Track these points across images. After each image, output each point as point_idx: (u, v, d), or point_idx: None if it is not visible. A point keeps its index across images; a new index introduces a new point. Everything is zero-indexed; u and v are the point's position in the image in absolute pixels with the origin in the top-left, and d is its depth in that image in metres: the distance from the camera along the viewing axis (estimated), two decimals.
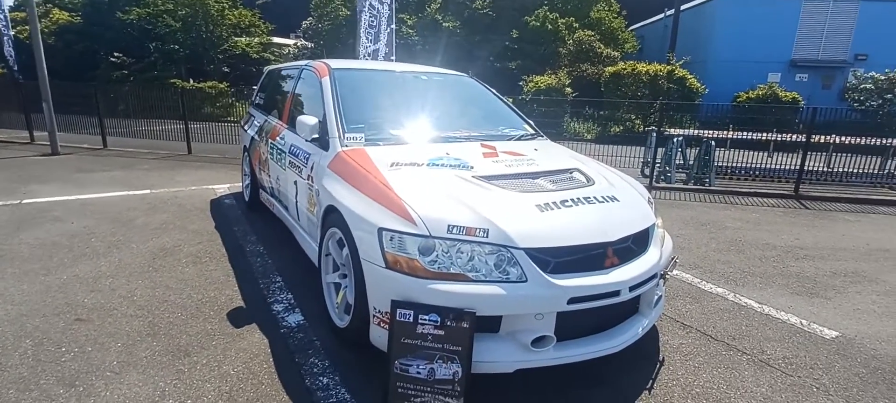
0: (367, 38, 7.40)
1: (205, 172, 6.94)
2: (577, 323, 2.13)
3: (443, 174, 2.38)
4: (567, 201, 2.24)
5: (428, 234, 1.97)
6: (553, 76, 16.74)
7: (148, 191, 5.63)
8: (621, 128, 15.19)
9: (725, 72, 18.52)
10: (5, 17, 8.70)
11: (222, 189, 5.84)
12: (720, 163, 7.79)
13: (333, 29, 20.15)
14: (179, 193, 5.55)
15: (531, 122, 3.72)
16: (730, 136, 8.12)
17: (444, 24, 19.51)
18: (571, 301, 1.98)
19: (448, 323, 1.90)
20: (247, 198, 4.93)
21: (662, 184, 7.33)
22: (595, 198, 2.35)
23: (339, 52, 19.30)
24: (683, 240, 4.50)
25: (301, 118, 2.94)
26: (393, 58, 7.39)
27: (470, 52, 19.11)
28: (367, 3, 7.30)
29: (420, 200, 2.12)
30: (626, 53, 21.61)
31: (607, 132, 15.07)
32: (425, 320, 1.92)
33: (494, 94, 3.91)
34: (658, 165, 7.86)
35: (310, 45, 21.25)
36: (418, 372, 1.93)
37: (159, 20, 19.63)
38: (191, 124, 9.08)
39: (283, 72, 4.44)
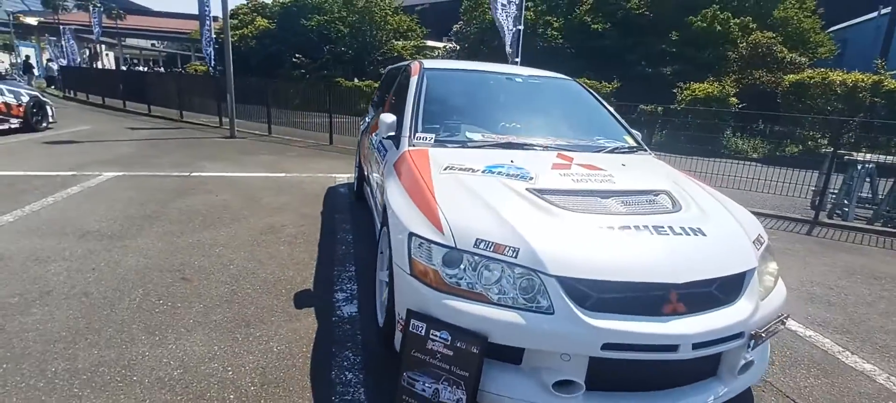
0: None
1: (336, 162, 7.64)
2: (619, 373, 1.80)
3: (493, 182, 2.21)
4: (630, 228, 1.90)
5: (453, 246, 1.84)
6: (715, 84, 14.73)
7: (283, 174, 6.39)
8: (799, 148, 12.76)
9: None
10: (210, 25, 10.67)
11: (343, 178, 6.35)
12: None
13: (479, 32, 20.57)
14: (306, 179, 6.19)
15: (637, 135, 3.28)
16: None
17: (593, 27, 18.50)
18: (607, 347, 1.67)
19: (458, 344, 1.75)
20: (355, 189, 5.27)
21: (836, 221, 5.91)
22: (671, 228, 1.95)
23: (484, 55, 19.64)
24: (836, 295, 3.54)
25: (382, 116, 3.01)
26: (517, 60, 7.22)
27: (620, 57, 17.77)
28: (499, 4, 7.24)
29: (455, 208, 1.99)
30: (819, 59, 18.01)
31: (780, 152, 12.80)
32: (436, 336, 1.79)
33: (598, 101, 3.54)
34: (833, 197, 6.38)
35: (457, 47, 22.05)
36: (423, 390, 1.82)
37: (333, 26, 22.25)
38: (340, 118, 10.07)
39: (393, 72, 4.63)
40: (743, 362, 1.91)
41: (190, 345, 2.34)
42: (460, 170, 2.35)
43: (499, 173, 2.31)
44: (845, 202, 6.12)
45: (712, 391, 1.88)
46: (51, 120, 9.48)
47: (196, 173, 6.13)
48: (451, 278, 1.81)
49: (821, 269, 4.10)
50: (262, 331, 2.51)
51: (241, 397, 2.01)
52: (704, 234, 1.96)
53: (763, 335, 1.87)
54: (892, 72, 13.69)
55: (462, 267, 1.82)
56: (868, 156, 6.45)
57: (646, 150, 3.11)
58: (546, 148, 2.76)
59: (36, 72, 22.69)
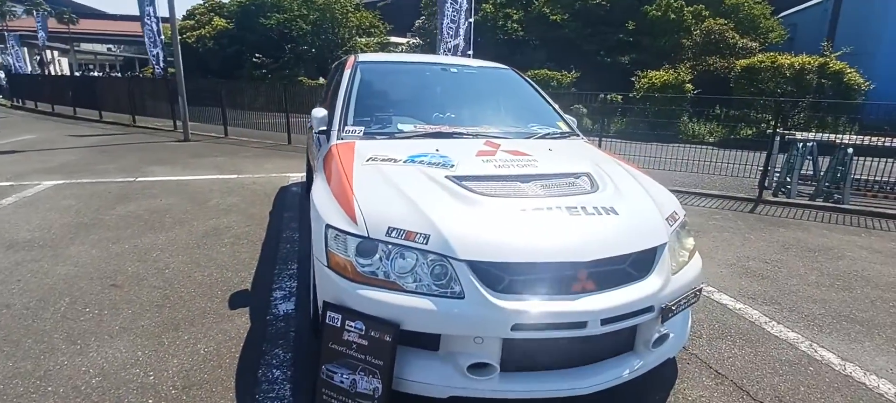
0: (448, 34, 7.37)
1: (291, 161, 7.52)
2: (535, 353, 1.82)
3: (413, 171, 2.20)
4: (543, 210, 1.92)
5: (366, 235, 1.82)
6: (671, 71, 15.11)
7: (235, 176, 6.25)
8: (753, 131, 13.21)
9: None
10: (154, 24, 10.30)
11: (296, 177, 6.25)
12: (866, 178, 6.28)
13: None
14: (259, 179, 6.07)
15: (570, 121, 3.33)
16: (888, 144, 6.36)
17: (552, 18, 18.70)
18: (517, 327, 1.68)
19: (372, 334, 1.74)
20: (306, 187, 5.19)
21: (781, 198, 6.15)
22: (584, 208, 1.97)
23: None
24: (772, 269, 3.68)
25: (314, 111, 2.98)
26: (470, 53, 7.25)
27: (579, 47, 18.03)
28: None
29: (370, 198, 1.98)
30: (770, 44, 18.67)
31: (734, 135, 13.21)
32: (351, 327, 1.78)
33: (535, 90, 3.57)
34: (777, 176, 6.63)
35: (420, 42, 22.00)
36: (341, 382, 1.80)
37: (293, 24, 21.83)
38: (300, 117, 9.89)
39: (335, 67, 4.57)
40: (657, 335, 1.96)
41: (112, 352, 2.26)
42: (383, 160, 2.33)
43: (421, 162, 2.30)
44: (788, 180, 6.38)
45: (628, 364, 1.93)
46: None
47: (142, 178, 5.93)
48: (364, 268, 1.80)
49: (759, 245, 4.25)
50: (190, 334, 2.44)
51: (160, 401, 1.96)
52: (617, 213, 2.00)
53: (674, 308, 1.92)
54: (837, 54, 14.31)
55: (377, 256, 1.81)
56: (809, 135, 6.73)
57: (578, 135, 3.15)
58: (475, 136, 2.77)
59: None
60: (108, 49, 49.09)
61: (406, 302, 1.72)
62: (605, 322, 1.75)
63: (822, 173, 6.38)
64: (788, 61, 13.78)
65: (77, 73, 31.79)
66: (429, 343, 1.80)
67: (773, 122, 7.04)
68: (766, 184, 6.78)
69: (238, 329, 2.52)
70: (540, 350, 1.83)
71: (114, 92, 13.40)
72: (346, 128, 2.78)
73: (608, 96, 15.16)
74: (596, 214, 1.96)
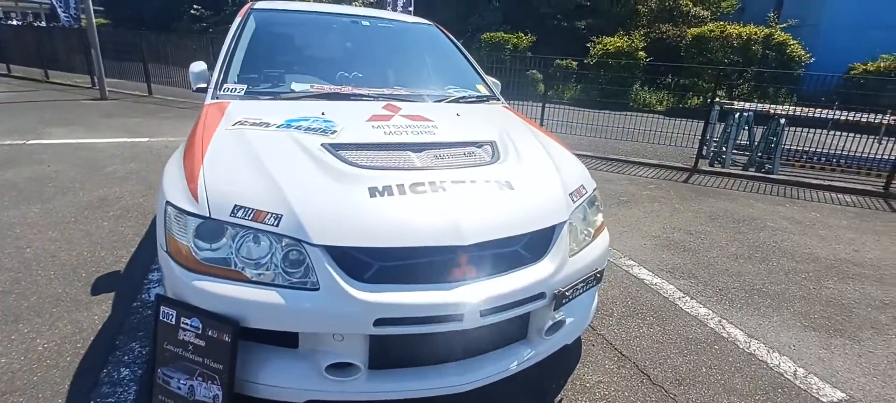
0: None
1: None
2: (410, 348, 1.61)
3: (283, 138, 1.89)
4: (424, 184, 1.66)
5: (207, 215, 1.52)
6: (625, 38, 15.06)
7: (145, 139, 5.68)
8: (700, 100, 13.46)
9: (841, 39, 15.53)
10: None
11: None
12: (799, 148, 6.41)
13: None
14: (171, 143, 5.53)
15: (493, 83, 3.08)
16: (824, 115, 6.41)
17: None
18: (381, 322, 1.45)
19: (209, 333, 1.47)
20: None
21: (717, 168, 6.19)
22: (475, 182, 1.74)
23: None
24: (695, 240, 3.63)
25: (192, 64, 2.59)
26: (410, 8, 6.80)
27: (536, 10, 17.64)
28: None
29: (220, 171, 1.66)
30: (722, 14, 18.93)
31: (683, 105, 13.40)
32: (187, 325, 1.50)
33: (457, 49, 3.27)
34: (715, 146, 6.68)
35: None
36: (179, 388, 1.53)
37: None
38: None
39: None
40: (550, 322, 1.79)
41: None
42: (253, 124, 2.00)
43: (297, 127, 1.98)
44: (724, 150, 6.43)
45: (517, 355, 1.75)
46: None
47: (35, 140, 5.28)
48: (203, 254, 1.51)
49: (686, 216, 4.21)
50: (32, 327, 2.09)
51: None
52: (512, 188, 1.78)
53: (569, 294, 1.74)
54: (783, 25, 14.63)
55: (224, 240, 1.52)
56: (745, 105, 6.77)
57: (498, 100, 2.91)
58: (377, 98, 2.47)
59: None
60: None
61: (247, 295, 1.45)
62: (485, 313, 1.54)
63: (756, 143, 6.47)
64: (736, 31, 13.99)
65: None
66: (286, 340, 1.55)
67: (713, 92, 7.03)
68: (704, 154, 6.85)
69: (94, 319, 2.18)
70: (415, 346, 1.61)
71: (22, 43, 12.02)
72: (226, 85, 2.41)
73: (563, 61, 15.05)
74: (488, 189, 1.73)
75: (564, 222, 1.79)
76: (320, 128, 1.99)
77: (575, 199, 1.91)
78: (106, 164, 4.52)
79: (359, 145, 1.89)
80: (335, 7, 3.34)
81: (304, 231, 1.46)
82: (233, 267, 1.49)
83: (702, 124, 6.65)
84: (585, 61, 14.65)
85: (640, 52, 14.65)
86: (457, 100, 2.69)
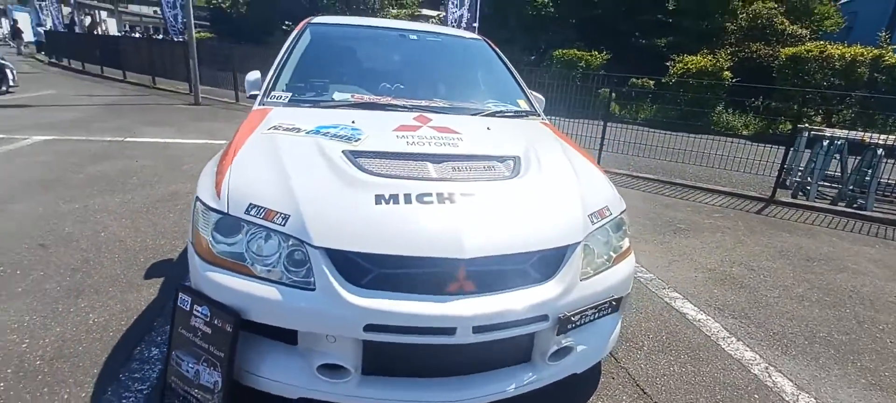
0: (452, 4, 7.01)
1: None
2: (405, 357, 1.60)
3: (308, 143, 1.98)
4: (432, 195, 1.67)
5: (225, 211, 1.63)
6: (709, 57, 14.16)
7: (223, 141, 6.16)
8: (793, 125, 12.30)
9: None
10: None
11: None
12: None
13: None
14: None
15: (535, 99, 3.03)
16: None
17: None
18: (371, 328, 1.46)
19: (215, 322, 1.56)
20: None
21: (800, 200, 5.60)
22: (486, 196, 1.72)
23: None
24: (755, 277, 3.30)
25: (248, 74, 2.81)
26: (475, 24, 6.87)
27: (613, 27, 17.10)
28: None
29: (244, 171, 1.78)
30: (825, 32, 17.27)
31: (772, 130, 12.26)
32: (198, 312, 1.60)
33: (503, 64, 3.25)
34: (800, 175, 6.06)
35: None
36: (187, 371, 1.64)
37: None
38: None
39: None
40: (556, 347, 1.70)
41: (7, 315, 2.18)
42: (286, 130, 2.12)
43: (324, 134, 2.07)
44: (809, 180, 5.81)
45: (516, 378, 1.68)
46: (12, 84, 9.33)
47: (131, 139, 5.95)
48: (218, 247, 1.61)
49: (751, 250, 3.85)
50: (89, 302, 2.34)
51: (19, 370, 1.85)
52: (525, 205, 1.74)
53: (575, 319, 1.66)
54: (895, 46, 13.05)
55: (240, 236, 1.62)
56: (838, 133, 6.09)
57: (538, 116, 2.85)
58: (411, 109, 2.51)
59: (25, 37, 22.44)
60: (155, 11, 50.42)
61: (250, 289, 1.53)
62: (479, 330, 1.51)
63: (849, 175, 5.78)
64: (839, 52, 12.66)
65: (118, 34, 32.78)
66: (286, 336, 1.61)
67: (797, 116, 6.39)
68: (787, 184, 6.23)
69: (141, 301, 2.40)
70: (410, 356, 1.61)
71: (137, 53, 13.65)
72: (273, 93, 2.58)
73: (639, 80, 14.43)
74: (497, 205, 1.70)
75: (577, 244, 1.70)
76: (346, 136, 2.06)
77: (595, 221, 1.82)
78: (184, 163, 4.98)
79: (378, 153, 1.93)
80: (388, 22, 3.45)
81: (307, 232, 1.52)
82: (243, 262, 1.58)
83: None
84: (663, 80, 13.97)
85: (726, 72, 13.70)
86: (492, 115, 2.67)
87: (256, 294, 1.52)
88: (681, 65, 14.17)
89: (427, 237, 1.54)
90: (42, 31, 20.42)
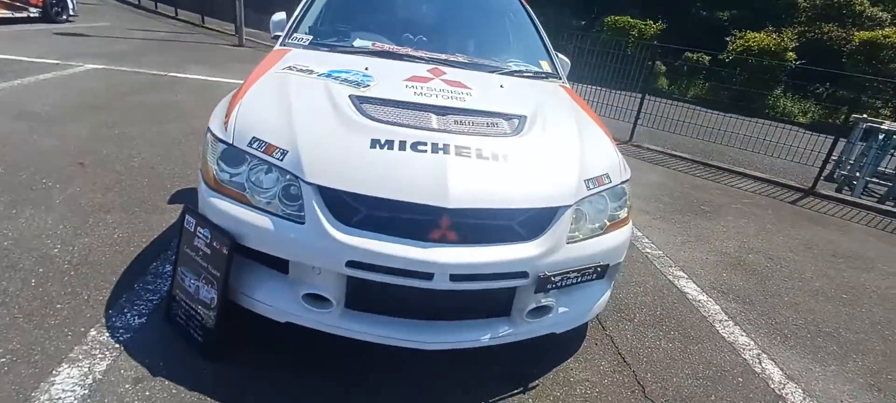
0: None
1: None
2: (388, 297, 1.68)
3: (318, 85, 2.03)
4: (426, 144, 1.70)
5: (230, 143, 1.73)
6: (773, 35, 13.23)
7: None
8: (845, 115, 11.45)
9: None
10: None
11: None
12: None
13: None
14: None
15: (558, 62, 2.96)
16: None
17: None
18: (352, 264, 1.54)
19: (214, 243, 1.68)
20: None
21: (844, 195, 5.29)
22: (481, 151, 1.73)
23: None
24: (772, 267, 3.20)
25: (274, 15, 2.87)
26: None
27: None
28: None
29: (252, 106, 1.88)
30: None
31: (834, 119, 11.39)
32: (201, 233, 1.73)
33: (533, 24, 3.17)
34: (849, 169, 5.70)
35: None
36: (189, 286, 1.78)
37: None
38: None
39: None
40: (534, 305, 1.75)
41: (38, 222, 2.41)
42: (300, 70, 2.19)
43: (336, 77, 2.12)
44: (857, 175, 5.46)
45: (493, 330, 1.74)
46: (72, 12, 9.78)
47: (174, 73, 6.20)
48: (222, 175, 1.72)
49: (776, 239, 3.71)
50: (116, 219, 2.54)
51: (49, 271, 2.06)
52: (519, 163, 1.75)
53: (556, 279, 1.69)
54: None
55: (241, 167, 1.71)
56: None
57: (558, 78, 2.79)
58: (428, 61, 2.51)
59: None
60: None
61: (246, 216, 1.63)
62: (455, 278, 1.57)
63: None
64: None
65: None
66: (279, 265, 1.71)
67: (851, 106, 5.94)
68: (834, 177, 5.88)
69: (163, 222, 2.58)
70: (392, 296, 1.68)
71: None
72: (295, 35, 2.65)
73: (694, 54, 13.68)
74: (491, 160, 1.72)
75: (568, 207, 1.71)
76: (356, 81, 2.10)
77: (591, 186, 1.82)
78: (217, 98, 5.16)
79: (384, 100, 1.97)
80: None
81: (301, 168, 1.59)
82: (243, 192, 1.67)
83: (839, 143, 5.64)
84: (720, 56, 13.17)
85: (790, 53, 12.79)
86: (511, 73, 2.64)
87: (251, 221, 1.62)
88: (741, 41, 13.35)
89: (414, 184, 1.59)
90: None
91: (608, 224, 1.88)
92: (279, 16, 2.84)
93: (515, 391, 1.81)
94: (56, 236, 2.31)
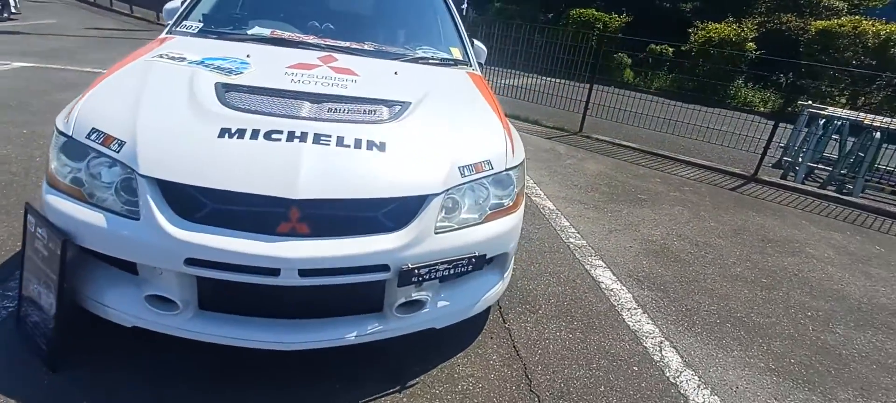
0: None
1: None
2: (242, 296, 1.58)
3: (184, 73, 1.91)
4: (282, 132, 1.59)
5: (69, 135, 1.60)
6: (734, 26, 13.41)
7: None
8: (787, 101, 11.68)
9: None
10: None
11: None
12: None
13: None
14: None
15: (472, 50, 2.88)
16: None
17: None
18: (191, 262, 1.43)
19: (50, 244, 1.55)
20: None
21: (788, 181, 5.33)
22: (342, 138, 1.63)
23: None
24: (695, 253, 3.18)
25: (167, 3, 2.73)
26: None
27: None
28: None
29: (101, 95, 1.76)
30: (867, 8, 16.08)
31: (792, 108, 11.59)
32: (40, 234, 1.60)
33: (449, 12, 3.08)
34: (793, 155, 5.76)
35: None
36: (33, 290, 1.65)
37: None
38: None
39: None
40: (402, 300, 1.66)
41: None
42: (171, 58, 2.06)
43: (208, 65, 2.00)
44: (799, 160, 5.52)
45: (359, 327, 1.65)
46: (14, 11, 9.36)
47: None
48: (62, 170, 1.59)
49: (706, 224, 3.70)
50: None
51: None
52: (383, 150, 1.65)
53: (421, 272, 1.60)
54: None
55: (81, 161, 1.58)
56: (839, 112, 5.72)
57: (467, 65, 2.71)
58: (321, 48, 2.41)
59: None
60: None
61: (79, 213, 1.51)
62: (305, 273, 1.47)
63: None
64: (874, 28, 11.81)
65: None
66: (127, 266, 1.59)
67: (789, 90, 6.00)
68: (781, 164, 5.95)
69: None
70: (248, 295, 1.58)
71: None
72: (184, 22, 2.52)
73: (658, 47, 13.80)
74: (353, 148, 1.63)
75: (435, 195, 1.63)
76: (228, 69, 1.99)
77: (466, 174, 1.74)
78: None
79: (253, 88, 1.86)
80: None
81: (136, 160, 1.48)
82: (80, 187, 1.55)
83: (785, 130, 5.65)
84: (683, 48, 13.33)
85: (750, 43, 12.96)
86: (414, 60, 2.55)
87: (83, 219, 1.50)
88: (703, 32, 13.47)
89: (263, 175, 1.49)
90: None
91: (490, 213, 1.80)
92: (173, 4, 2.69)
93: (391, 389, 1.72)
94: None
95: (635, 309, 2.42)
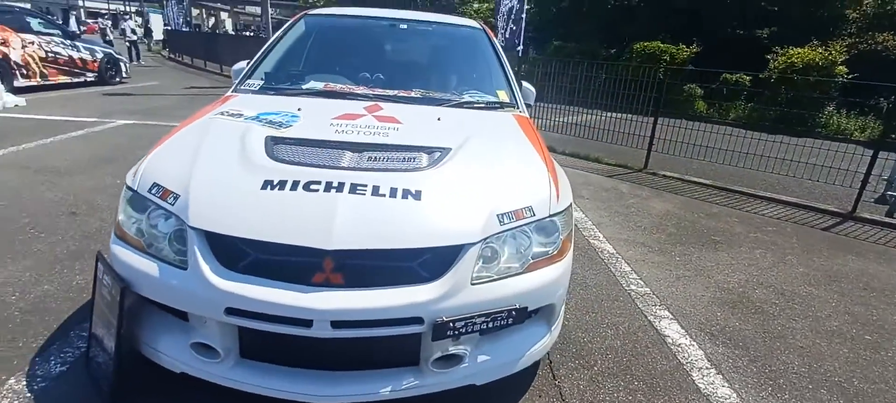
0: None
1: None
2: (282, 347, 1.59)
3: (238, 128, 2.03)
4: (318, 184, 1.62)
5: (134, 189, 1.74)
6: (820, 49, 12.39)
7: None
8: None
9: None
10: None
11: None
12: None
13: None
14: None
15: (519, 92, 2.85)
16: None
17: None
18: (231, 312, 1.47)
19: (112, 292, 1.66)
20: None
21: (884, 217, 4.69)
22: (377, 188, 1.63)
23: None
24: (782, 304, 2.82)
25: (235, 65, 2.98)
26: (523, 15, 6.61)
27: (706, 18, 15.50)
28: None
29: (165, 152, 1.91)
30: None
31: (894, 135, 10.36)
32: (105, 281, 1.73)
33: (495, 54, 3.09)
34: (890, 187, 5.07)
35: None
36: (99, 333, 1.77)
37: None
38: None
39: None
40: (438, 354, 1.59)
41: (12, 271, 2.52)
42: (230, 115, 2.21)
43: (262, 120, 2.12)
44: (891, 193, 4.85)
45: (394, 382, 1.60)
46: (124, 75, 10.71)
47: None
48: (126, 222, 1.72)
49: (794, 271, 3.29)
50: (83, 265, 2.63)
51: None
52: (419, 199, 1.64)
53: (457, 325, 1.53)
54: None
55: (142, 213, 1.71)
56: None
57: (514, 108, 2.67)
58: (370, 98, 2.48)
59: (155, 36, 25.73)
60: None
61: (136, 262, 1.61)
62: (337, 325, 1.45)
63: None
64: None
65: (226, 32, 36.34)
66: (178, 313, 1.67)
67: (888, 113, 5.32)
68: (886, 199, 5.25)
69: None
70: (287, 345, 1.59)
71: (233, 48, 14.99)
72: (248, 81, 2.71)
73: (732, 76, 13.02)
74: (389, 197, 1.62)
75: (471, 244, 1.58)
76: (279, 123, 2.09)
77: (505, 221, 1.67)
78: None
79: (299, 140, 1.94)
80: (382, 12, 3.41)
81: (187, 212, 1.56)
82: (141, 238, 1.66)
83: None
84: (761, 76, 12.48)
85: (840, 67, 11.89)
86: (459, 105, 2.56)
87: (139, 268, 1.59)
88: (784, 58, 12.55)
89: (297, 225, 1.52)
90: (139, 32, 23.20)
91: (532, 261, 1.71)
92: (240, 64, 2.92)
93: None
94: (18, 284, 2.41)
95: (708, 368, 2.16)
